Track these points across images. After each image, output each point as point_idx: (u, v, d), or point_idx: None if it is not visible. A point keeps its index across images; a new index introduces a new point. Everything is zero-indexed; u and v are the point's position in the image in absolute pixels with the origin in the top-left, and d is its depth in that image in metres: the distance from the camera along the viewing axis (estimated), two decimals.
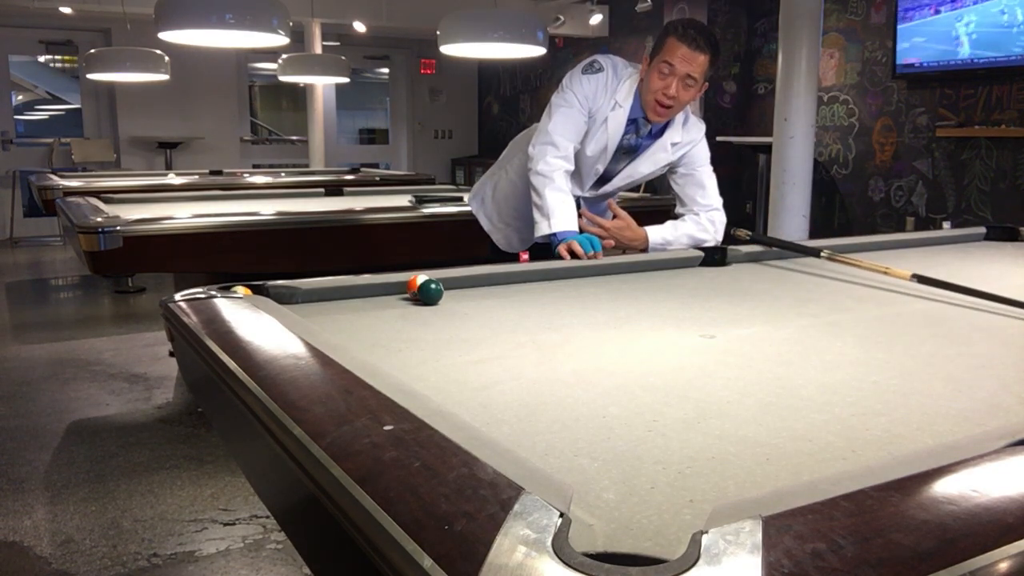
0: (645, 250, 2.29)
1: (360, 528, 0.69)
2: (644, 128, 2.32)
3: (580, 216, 2.27)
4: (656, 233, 2.31)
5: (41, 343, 4.69)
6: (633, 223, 2.28)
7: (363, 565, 0.68)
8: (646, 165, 2.39)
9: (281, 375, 1.03)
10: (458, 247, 3.58)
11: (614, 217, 2.30)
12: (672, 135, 2.34)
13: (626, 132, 2.30)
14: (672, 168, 2.41)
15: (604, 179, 2.44)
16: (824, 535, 0.61)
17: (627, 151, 2.36)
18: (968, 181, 5.61)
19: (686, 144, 2.37)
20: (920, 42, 5.57)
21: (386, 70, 11.18)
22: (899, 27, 5.71)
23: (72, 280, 6.87)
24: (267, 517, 2.54)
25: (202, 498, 2.69)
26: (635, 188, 2.62)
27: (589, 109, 2.28)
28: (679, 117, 2.35)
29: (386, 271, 1.79)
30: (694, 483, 0.81)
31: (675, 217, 2.43)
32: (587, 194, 2.47)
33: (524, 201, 2.38)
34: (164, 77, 5.84)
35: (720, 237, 2.40)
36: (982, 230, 2.72)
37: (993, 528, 0.62)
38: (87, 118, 9.25)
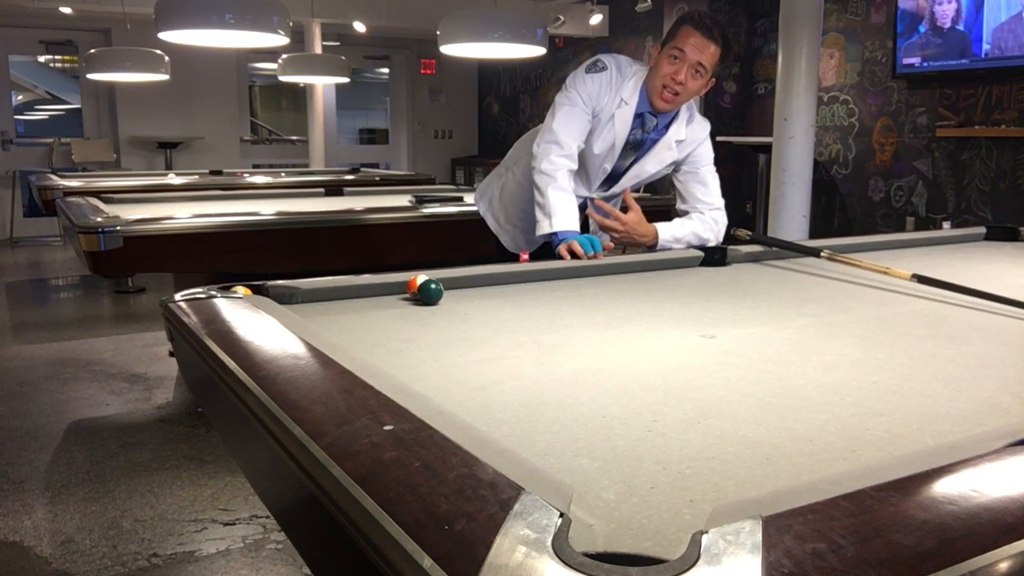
0: (653, 248, 2.29)
1: (360, 528, 0.69)
2: (650, 123, 2.32)
3: (595, 208, 2.27)
4: (666, 231, 2.31)
5: (41, 343, 4.69)
6: (643, 218, 2.28)
7: (363, 565, 0.68)
8: (652, 164, 2.39)
9: (281, 375, 1.03)
10: (458, 247, 3.58)
11: (626, 210, 2.30)
12: (677, 132, 2.35)
13: (632, 127, 2.31)
14: (676, 166, 2.41)
15: (611, 179, 2.44)
16: (824, 535, 0.61)
17: (633, 147, 2.36)
18: (968, 181, 5.61)
19: (691, 143, 2.37)
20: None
21: (386, 70, 11.18)
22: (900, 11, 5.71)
23: (72, 280, 6.87)
24: (267, 517, 2.54)
25: (202, 498, 2.69)
26: (636, 188, 2.62)
27: (593, 108, 2.29)
28: (684, 115, 2.35)
29: (386, 271, 1.79)
30: (694, 483, 0.81)
31: (675, 216, 2.43)
32: (594, 195, 2.47)
33: (531, 202, 2.38)
34: (164, 77, 5.84)
35: (721, 237, 2.41)
36: (982, 230, 2.72)
37: (993, 528, 0.62)
38: (87, 118, 9.25)
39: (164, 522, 2.53)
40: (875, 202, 6.25)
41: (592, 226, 2.54)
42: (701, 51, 2.15)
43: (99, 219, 3.11)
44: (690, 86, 2.20)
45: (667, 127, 2.35)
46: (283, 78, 6.77)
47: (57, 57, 10.00)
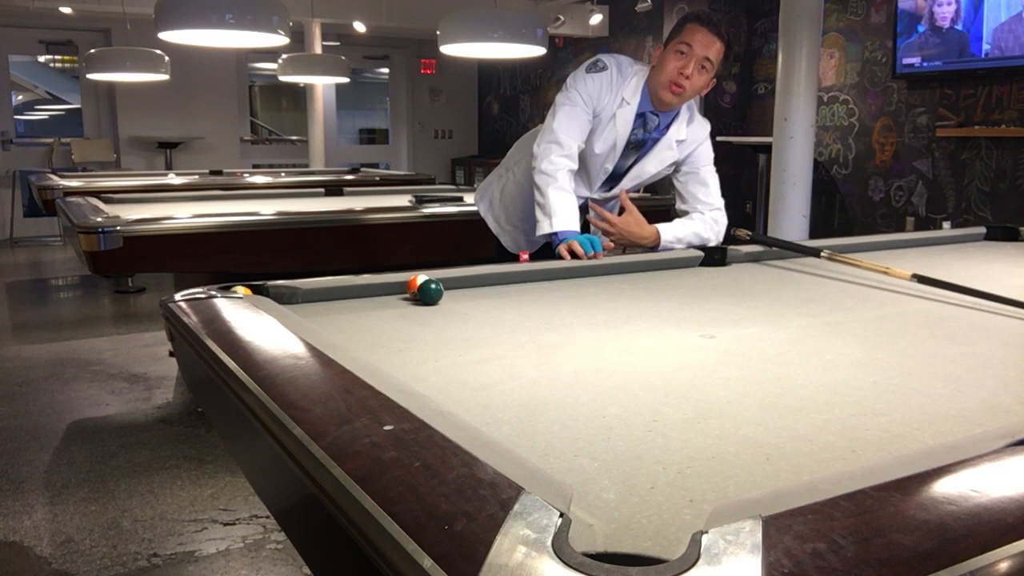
0: (655, 248, 2.29)
1: (360, 528, 0.69)
2: (652, 122, 2.33)
3: (595, 215, 2.27)
4: (668, 231, 2.30)
5: (41, 343, 4.69)
6: (642, 219, 2.28)
7: (363, 565, 0.68)
8: (653, 164, 2.39)
9: (281, 375, 1.03)
10: (458, 247, 3.58)
11: (622, 211, 2.30)
12: (678, 132, 2.35)
13: (633, 127, 2.31)
14: (677, 166, 2.41)
15: (613, 179, 2.45)
16: (824, 535, 0.61)
17: (635, 147, 2.37)
18: (968, 181, 5.61)
19: (692, 143, 2.38)
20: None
21: (386, 70, 11.18)
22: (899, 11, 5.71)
23: (72, 280, 6.87)
24: (267, 517, 2.54)
25: (202, 498, 2.69)
26: (636, 188, 2.62)
27: (594, 108, 2.29)
28: (684, 115, 2.35)
29: (386, 271, 1.79)
30: (694, 483, 0.81)
31: (675, 216, 2.43)
32: (596, 195, 2.47)
33: (532, 203, 2.39)
34: (164, 77, 5.85)
35: (721, 237, 2.41)
36: (982, 230, 2.72)
37: (993, 528, 0.62)
38: (87, 118, 9.25)
39: (164, 522, 2.53)
40: (875, 202, 6.25)
41: (592, 226, 2.54)
42: (707, 47, 2.17)
43: (99, 219, 3.11)
44: (696, 81, 2.21)
45: (668, 127, 2.35)
46: (283, 78, 6.77)
47: (57, 57, 9.99)
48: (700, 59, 2.18)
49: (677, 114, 2.35)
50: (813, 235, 4.64)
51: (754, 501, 0.70)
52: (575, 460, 0.87)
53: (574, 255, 2.09)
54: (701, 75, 2.20)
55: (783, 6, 4.34)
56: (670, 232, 2.31)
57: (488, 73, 10.82)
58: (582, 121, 2.28)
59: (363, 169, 7.41)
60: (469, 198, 3.77)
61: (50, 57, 10.01)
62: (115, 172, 7.58)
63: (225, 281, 1.63)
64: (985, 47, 5.25)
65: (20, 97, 10.10)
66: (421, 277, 1.65)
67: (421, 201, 3.85)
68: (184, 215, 3.38)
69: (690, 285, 1.91)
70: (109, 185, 5.30)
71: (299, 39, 7.58)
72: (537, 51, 4.37)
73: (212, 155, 9.07)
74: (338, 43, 9.67)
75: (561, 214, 2.19)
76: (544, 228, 2.21)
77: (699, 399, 1.07)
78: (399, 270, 1.78)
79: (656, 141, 2.37)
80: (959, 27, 5.38)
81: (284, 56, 6.53)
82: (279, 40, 3.83)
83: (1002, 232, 2.68)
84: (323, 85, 8.32)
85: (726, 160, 6.33)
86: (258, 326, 1.30)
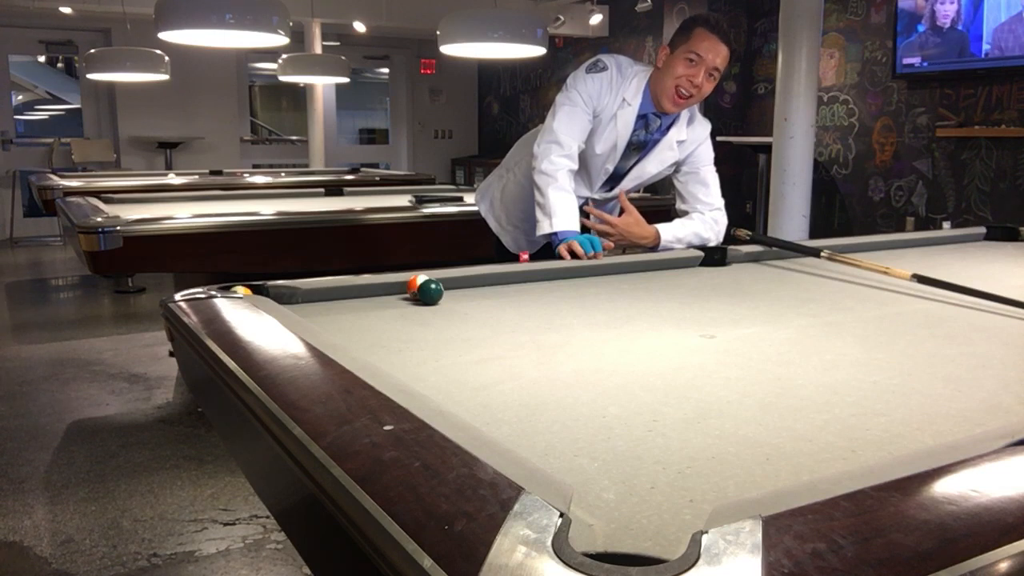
0: (655, 248, 2.29)
1: (360, 528, 0.69)
2: (653, 124, 2.33)
3: (587, 214, 2.28)
4: (668, 232, 2.31)
5: (41, 343, 4.69)
6: (642, 219, 2.28)
7: (363, 565, 0.68)
8: (653, 164, 2.39)
9: (281, 375, 1.03)
10: (458, 247, 3.58)
11: (621, 212, 2.30)
12: (679, 133, 2.35)
13: (635, 128, 2.31)
14: (677, 167, 2.42)
15: (613, 179, 2.45)
16: (824, 535, 0.61)
17: (636, 147, 2.37)
18: (968, 181, 5.61)
19: (692, 143, 2.38)
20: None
21: (386, 70, 11.18)
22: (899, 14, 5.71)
23: (72, 280, 6.87)
24: (267, 517, 2.54)
25: (202, 498, 2.69)
26: (636, 189, 2.62)
27: (594, 108, 2.29)
28: (685, 115, 2.36)
29: (386, 271, 1.79)
30: (694, 483, 0.81)
31: (675, 216, 2.43)
32: (596, 196, 2.47)
33: (532, 203, 2.39)
34: (164, 77, 5.85)
35: (721, 237, 2.41)
36: (982, 230, 2.72)
37: (993, 528, 0.62)
38: (87, 118, 9.25)
39: (164, 522, 2.53)
40: (875, 202, 6.25)
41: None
42: (716, 54, 2.17)
43: (99, 219, 3.11)
44: (704, 88, 2.21)
45: (669, 128, 2.35)
46: (283, 78, 6.77)
47: (57, 57, 9.99)
48: (710, 68, 2.18)
49: (678, 115, 2.35)
50: (813, 235, 4.64)
51: (754, 501, 0.70)
52: (575, 460, 0.87)
53: (574, 255, 2.09)
54: (709, 82, 2.21)
55: (783, 6, 4.34)
56: (670, 232, 2.31)
57: (488, 73, 10.82)
58: (582, 121, 2.28)
59: (363, 169, 7.41)
60: (469, 198, 3.77)
61: (50, 56, 10.01)
62: (115, 172, 7.58)
63: (225, 281, 1.63)
64: (985, 47, 5.25)
65: (20, 97, 10.10)
66: (421, 277, 1.65)
67: (421, 201, 3.85)
68: (184, 215, 3.38)
69: (690, 285, 1.91)
70: (109, 185, 5.30)
71: (299, 39, 7.58)
72: (537, 51, 4.37)
73: (212, 155, 9.07)
74: (338, 43, 9.67)
75: (561, 214, 2.19)
76: (544, 228, 2.21)
77: (699, 399, 1.07)
78: (399, 270, 1.78)
79: (657, 142, 2.37)
80: (959, 27, 5.38)
81: (284, 56, 6.53)
82: (279, 40, 3.83)
83: (1002, 232, 2.68)
84: (323, 85, 8.33)
85: (726, 160, 6.33)
86: (258, 326, 1.30)
